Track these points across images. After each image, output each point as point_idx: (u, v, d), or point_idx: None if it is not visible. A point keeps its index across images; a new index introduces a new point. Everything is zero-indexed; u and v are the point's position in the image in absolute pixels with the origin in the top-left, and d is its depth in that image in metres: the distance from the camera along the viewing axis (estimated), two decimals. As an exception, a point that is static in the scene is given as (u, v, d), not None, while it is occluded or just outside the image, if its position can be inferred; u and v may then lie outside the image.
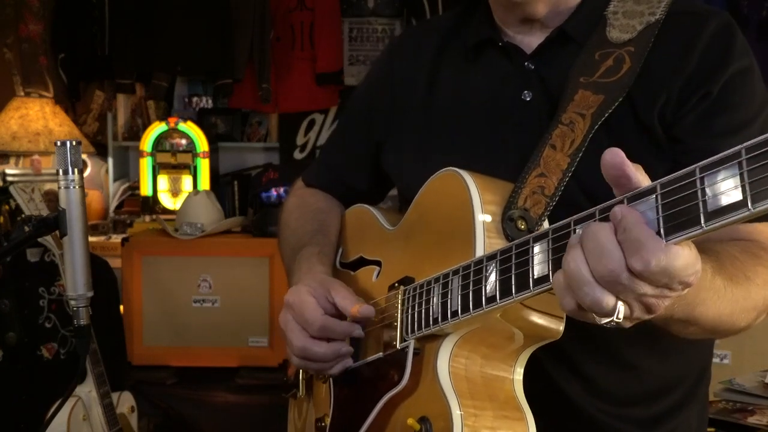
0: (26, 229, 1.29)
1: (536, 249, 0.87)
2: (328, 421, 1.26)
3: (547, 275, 0.85)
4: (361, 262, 1.32)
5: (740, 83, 1.11)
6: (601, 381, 1.17)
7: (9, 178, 3.85)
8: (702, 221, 0.70)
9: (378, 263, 1.28)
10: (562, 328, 1.02)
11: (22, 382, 3.04)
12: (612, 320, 0.78)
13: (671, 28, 1.13)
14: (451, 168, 1.11)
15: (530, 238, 0.88)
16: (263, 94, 4.44)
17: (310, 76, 4.58)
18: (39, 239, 1.38)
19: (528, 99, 1.19)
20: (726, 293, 0.94)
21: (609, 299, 0.77)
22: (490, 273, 0.94)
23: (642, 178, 0.77)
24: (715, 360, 2.72)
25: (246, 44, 4.41)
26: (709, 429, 2.03)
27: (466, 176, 1.08)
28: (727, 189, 0.68)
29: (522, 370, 1.05)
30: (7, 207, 3.46)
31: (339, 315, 1.19)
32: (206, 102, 4.82)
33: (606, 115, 1.09)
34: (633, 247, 0.74)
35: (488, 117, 1.22)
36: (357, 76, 4.55)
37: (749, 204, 0.67)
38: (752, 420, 2.05)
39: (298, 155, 4.71)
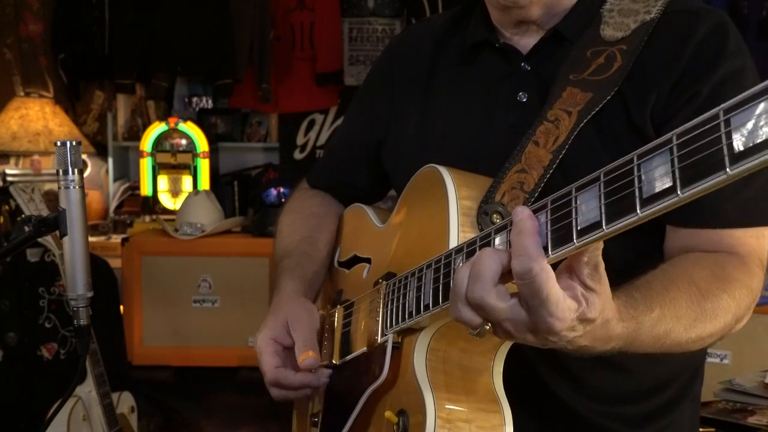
0: (26, 229, 1.29)
1: (497, 240, 0.88)
2: (321, 416, 1.28)
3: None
4: (355, 260, 1.34)
5: (732, 84, 1.09)
6: (590, 381, 1.17)
7: (9, 178, 3.85)
8: (638, 208, 0.71)
9: (369, 260, 1.29)
10: None
11: (22, 382, 3.05)
12: (476, 333, 0.88)
13: (665, 27, 1.12)
14: (431, 164, 1.12)
15: (492, 229, 0.90)
16: (263, 94, 4.44)
17: (310, 76, 4.58)
18: (39, 239, 1.38)
19: (524, 100, 1.19)
20: (670, 337, 0.97)
21: (475, 319, 0.86)
22: (458, 265, 0.95)
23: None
24: (715, 360, 2.72)
25: (246, 44, 4.40)
26: (709, 429, 2.04)
27: (444, 171, 1.09)
28: (660, 175, 0.70)
29: (502, 363, 1.05)
30: (7, 207, 3.46)
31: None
32: (206, 102, 4.82)
33: (593, 112, 1.09)
34: (473, 276, 0.84)
35: (484, 118, 1.23)
36: (357, 76, 4.55)
37: (678, 190, 0.68)
38: (752, 420, 2.04)
39: (298, 155, 4.71)
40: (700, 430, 1.74)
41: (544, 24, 1.21)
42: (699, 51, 1.11)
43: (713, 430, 2.05)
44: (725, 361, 2.72)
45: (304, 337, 1.22)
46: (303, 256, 1.38)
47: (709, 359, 2.58)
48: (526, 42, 1.23)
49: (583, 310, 0.82)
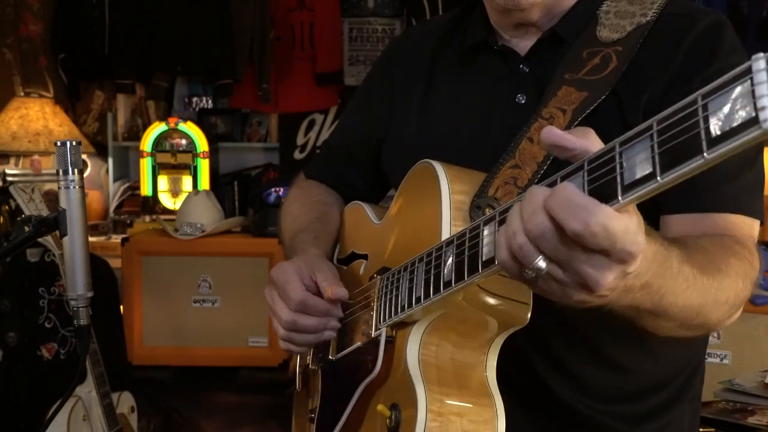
0: (26, 229, 1.29)
1: (485, 231, 0.88)
2: (317, 412, 1.29)
3: (494, 257, 0.85)
4: (353, 257, 1.35)
5: None
6: (589, 380, 1.18)
7: (9, 178, 3.85)
8: (619, 194, 0.71)
9: (365, 257, 1.30)
10: (527, 314, 1.02)
11: (22, 382, 3.04)
12: (536, 276, 0.77)
13: (661, 30, 1.13)
14: (425, 160, 1.13)
15: (481, 221, 0.89)
16: (263, 94, 4.44)
17: (310, 76, 4.58)
18: (39, 239, 1.39)
19: (522, 102, 1.20)
20: (696, 282, 0.91)
21: (534, 253, 0.76)
22: (448, 258, 0.95)
23: (588, 143, 0.77)
24: (715, 360, 2.72)
25: (246, 44, 4.40)
26: (709, 429, 2.04)
27: (437, 166, 1.09)
28: (641, 161, 0.70)
29: (495, 357, 1.05)
30: (7, 207, 3.46)
31: (321, 295, 1.22)
32: (206, 102, 4.82)
33: (587, 111, 1.10)
34: (569, 208, 0.72)
35: (482, 119, 1.23)
36: (357, 76, 4.55)
37: (658, 176, 0.68)
38: (752, 420, 2.05)
39: (298, 155, 4.71)
40: (700, 430, 1.74)
41: (543, 26, 1.22)
42: (692, 50, 1.11)
43: (713, 430, 2.05)
44: (725, 361, 2.73)
45: (331, 280, 1.21)
46: (321, 233, 1.39)
47: (709, 359, 2.59)
48: (525, 44, 1.23)
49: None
